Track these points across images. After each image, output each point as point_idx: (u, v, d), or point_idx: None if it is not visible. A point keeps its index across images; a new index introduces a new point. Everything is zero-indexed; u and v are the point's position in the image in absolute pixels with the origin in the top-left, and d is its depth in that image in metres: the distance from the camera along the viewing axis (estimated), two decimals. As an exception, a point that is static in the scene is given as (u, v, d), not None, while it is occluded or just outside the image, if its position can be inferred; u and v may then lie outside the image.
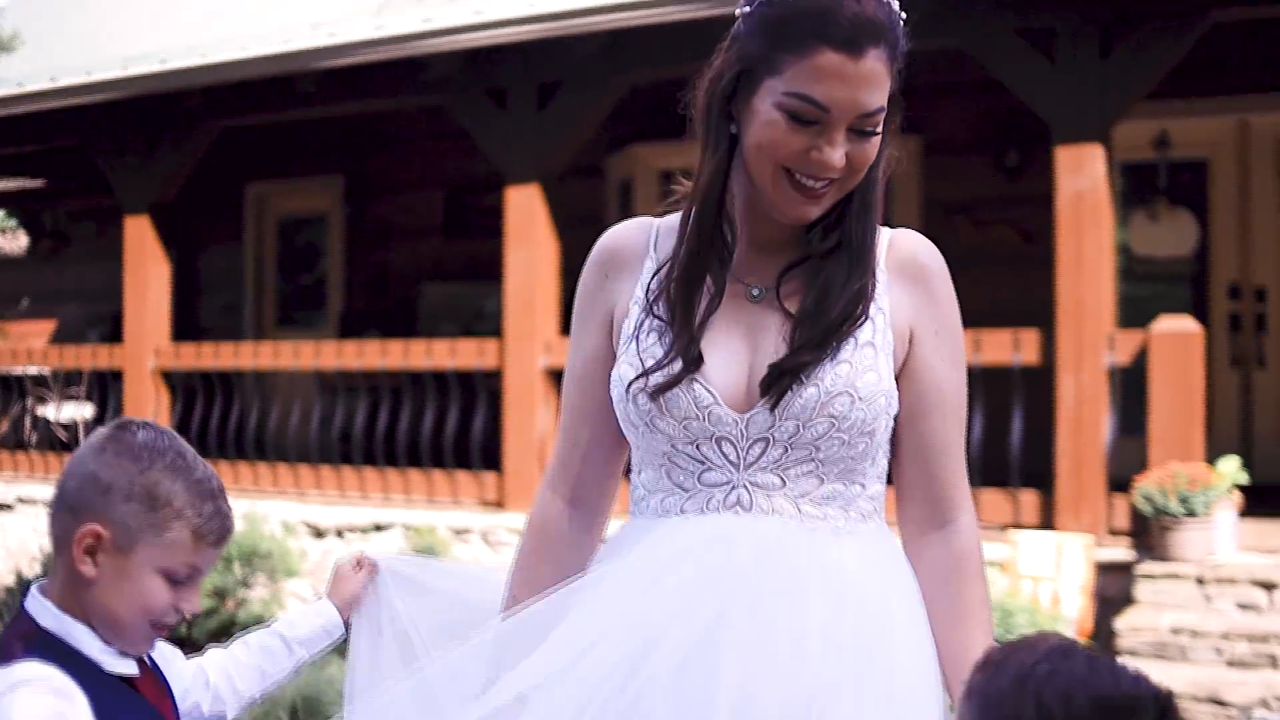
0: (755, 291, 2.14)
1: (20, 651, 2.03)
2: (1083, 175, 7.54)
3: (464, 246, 12.43)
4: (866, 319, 2.09)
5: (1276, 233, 9.82)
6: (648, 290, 2.18)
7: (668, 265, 2.17)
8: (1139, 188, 10.06)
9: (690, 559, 2.03)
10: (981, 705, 1.58)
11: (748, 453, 2.07)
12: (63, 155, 13.16)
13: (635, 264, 2.23)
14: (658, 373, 2.09)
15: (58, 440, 12.49)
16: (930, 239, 2.23)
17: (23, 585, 9.19)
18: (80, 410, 12.54)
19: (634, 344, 2.14)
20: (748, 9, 2.06)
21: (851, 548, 2.07)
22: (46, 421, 12.63)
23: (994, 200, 10.30)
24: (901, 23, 2.05)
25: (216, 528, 2.13)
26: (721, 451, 2.08)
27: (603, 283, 2.26)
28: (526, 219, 9.20)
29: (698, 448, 2.09)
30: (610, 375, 2.19)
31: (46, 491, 11.05)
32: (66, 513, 2.10)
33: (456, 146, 11.65)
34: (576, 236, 10.04)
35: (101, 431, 2.16)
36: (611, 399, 2.19)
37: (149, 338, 11.09)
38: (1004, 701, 1.55)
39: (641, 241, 2.25)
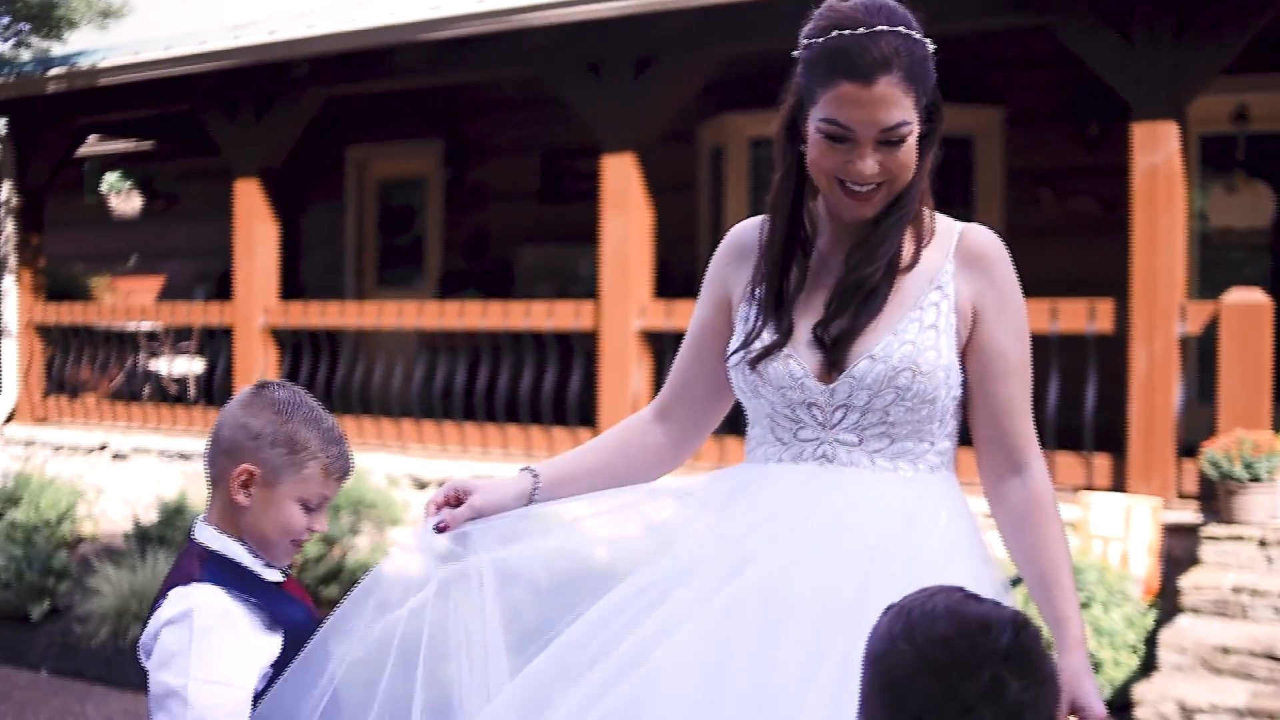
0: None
1: (198, 571, 2.59)
2: (1157, 151, 7.78)
3: (559, 210, 12.82)
4: (884, 289, 2.54)
5: (1354, 205, 10.00)
6: (753, 285, 2.67)
7: (758, 263, 2.66)
8: (1217, 159, 10.25)
9: (789, 500, 2.55)
10: (868, 642, 1.85)
11: (832, 416, 2.54)
12: (172, 119, 13.64)
13: (752, 255, 2.70)
14: (757, 343, 2.59)
15: (169, 394, 13.06)
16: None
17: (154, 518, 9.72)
18: (191, 365, 13.09)
19: (742, 325, 2.65)
20: (799, 51, 2.52)
21: (911, 492, 2.53)
22: (158, 375, 13.19)
23: (1075, 170, 10.54)
24: (922, 50, 2.47)
25: (342, 466, 2.69)
26: (812, 415, 2.56)
27: (723, 269, 2.76)
28: (622, 186, 9.55)
29: (793, 411, 2.57)
30: (713, 342, 2.75)
31: (160, 442, 11.65)
32: (223, 455, 2.66)
33: (553, 113, 12.03)
34: (669, 202, 10.44)
35: (247, 390, 2.72)
36: (713, 360, 2.73)
37: (258, 296, 11.55)
38: (879, 633, 1.82)
39: (756, 237, 2.71)
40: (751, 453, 2.70)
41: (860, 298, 2.52)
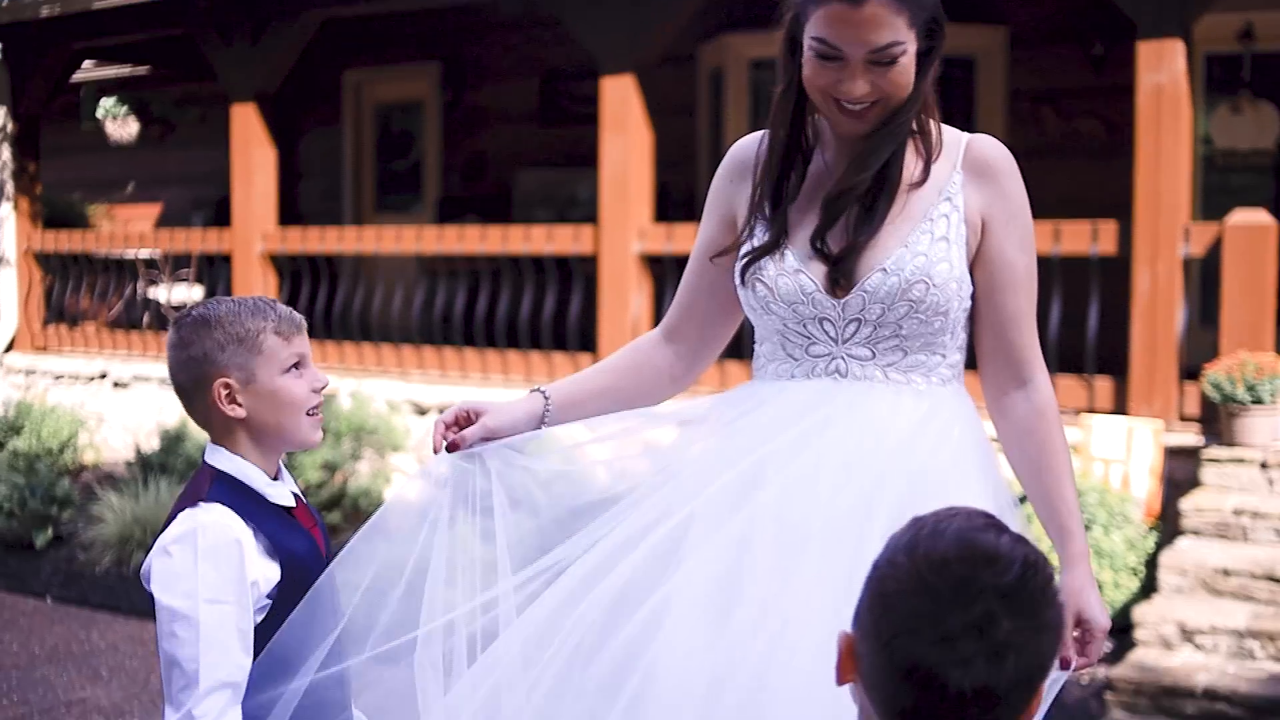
0: None
1: (206, 491, 2.59)
2: (1163, 70, 7.70)
3: (558, 133, 12.73)
4: (883, 201, 2.53)
5: (1359, 125, 9.91)
6: (752, 196, 2.65)
7: (758, 178, 2.65)
8: (1223, 79, 10.16)
9: (802, 415, 2.54)
10: (884, 548, 1.74)
11: (844, 330, 2.54)
12: (168, 43, 13.52)
13: (753, 171, 2.68)
14: (750, 243, 2.61)
15: (168, 321, 13.02)
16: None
17: (162, 444, 9.72)
18: (190, 292, 13.04)
19: (749, 242, 2.63)
20: None
21: (924, 404, 2.53)
22: (157, 303, 13.16)
23: (1079, 91, 10.45)
24: None
25: (289, 321, 2.70)
26: (824, 329, 2.55)
27: (726, 186, 2.74)
28: (621, 108, 9.47)
29: (804, 326, 2.56)
30: (717, 259, 2.72)
31: (160, 370, 11.64)
32: (194, 393, 2.67)
33: (552, 34, 11.94)
34: (669, 124, 10.37)
35: (169, 334, 2.72)
36: (720, 278, 2.72)
37: (256, 222, 11.49)
38: (888, 542, 1.71)
39: (758, 152, 2.69)
40: (761, 370, 2.69)
41: (847, 208, 2.51)
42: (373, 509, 9.10)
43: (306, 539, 2.67)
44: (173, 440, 9.92)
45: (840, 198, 2.51)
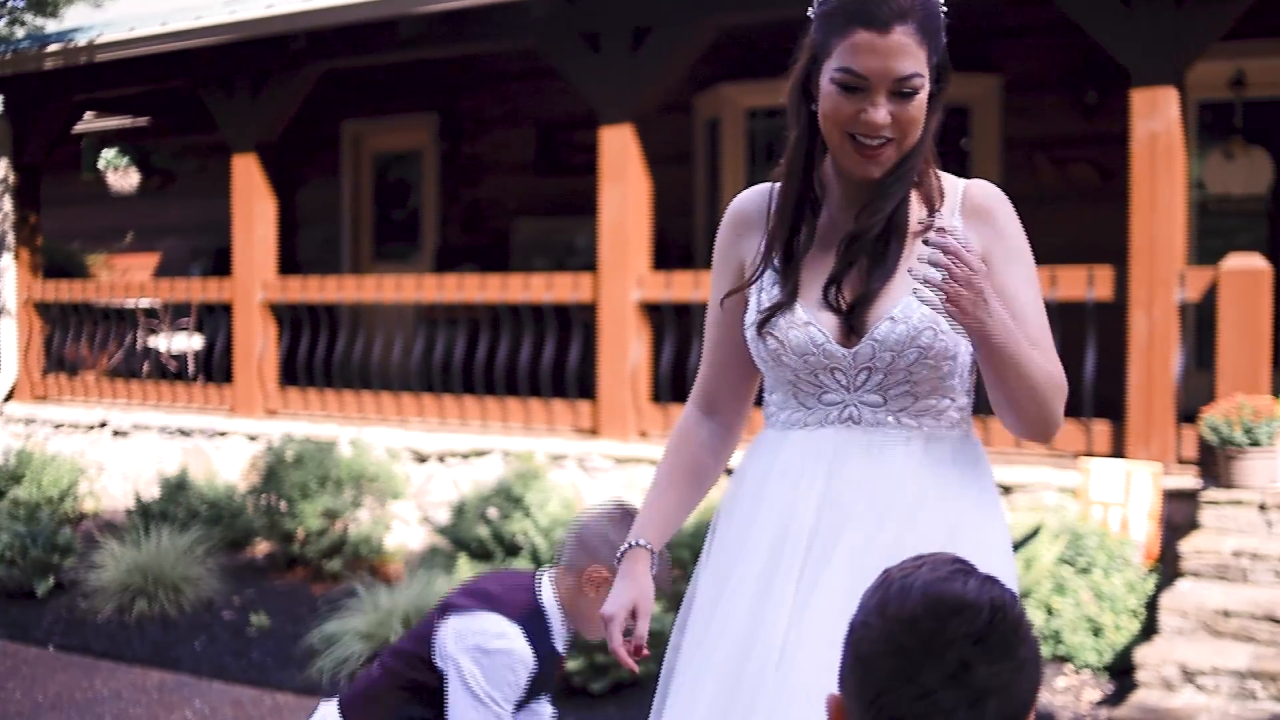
0: None
1: (524, 611, 3.47)
2: (1157, 117, 7.79)
3: (555, 183, 12.83)
4: (893, 249, 2.59)
5: (1351, 171, 9.99)
6: (766, 248, 2.70)
7: (768, 228, 2.70)
8: (1215, 126, 10.27)
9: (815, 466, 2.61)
10: (858, 608, 1.79)
11: (856, 378, 2.59)
12: (168, 94, 13.61)
13: (758, 224, 2.74)
14: (767, 300, 2.65)
15: (168, 370, 13.08)
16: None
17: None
18: (190, 341, 13.10)
19: (757, 294, 2.68)
20: (813, 10, 2.57)
21: (937, 450, 2.61)
22: (156, 352, 13.20)
23: (1073, 138, 10.55)
24: (935, 7, 2.52)
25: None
26: (835, 378, 2.60)
27: (734, 240, 2.79)
28: (620, 158, 9.55)
29: (816, 376, 2.61)
30: (738, 315, 2.76)
31: (160, 419, 11.68)
32: (575, 555, 3.51)
33: (549, 85, 12.03)
34: (664, 173, 10.45)
35: (609, 507, 3.51)
36: (742, 335, 2.75)
37: (256, 272, 11.55)
38: (862, 602, 1.76)
39: (762, 205, 2.76)
40: (772, 418, 2.74)
41: (863, 252, 2.56)
42: (373, 556, 9.17)
43: (551, 685, 3.55)
44: (173, 489, 9.94)
45: (855, 242, 2.56)
